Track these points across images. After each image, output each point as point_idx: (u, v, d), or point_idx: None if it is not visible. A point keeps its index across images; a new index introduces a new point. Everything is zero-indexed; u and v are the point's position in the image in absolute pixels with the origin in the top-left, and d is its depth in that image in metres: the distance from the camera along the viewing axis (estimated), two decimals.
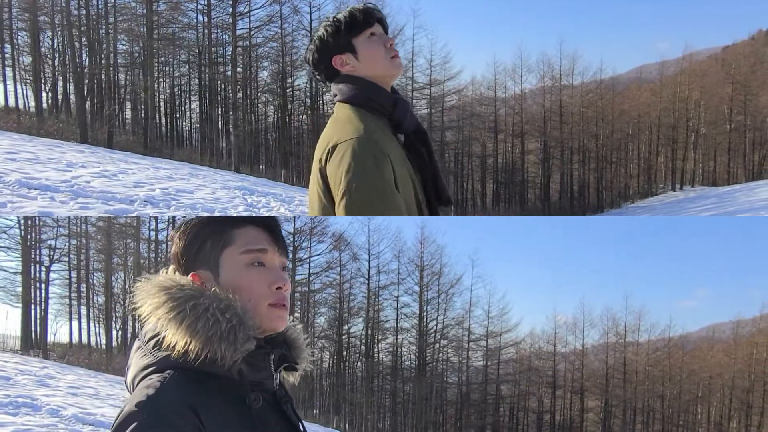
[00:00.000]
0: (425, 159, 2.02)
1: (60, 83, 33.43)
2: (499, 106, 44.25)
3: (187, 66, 36.36)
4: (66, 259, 26.96)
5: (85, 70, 28.46)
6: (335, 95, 2.02)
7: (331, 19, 2.05)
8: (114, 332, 27.66)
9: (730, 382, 35.95)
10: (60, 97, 33.57)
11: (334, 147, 1.86)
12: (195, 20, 33.03)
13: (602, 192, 44.62)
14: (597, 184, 44.65)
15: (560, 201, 44.10)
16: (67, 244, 26.53)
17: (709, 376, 36.30)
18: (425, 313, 31.64)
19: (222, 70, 33.54)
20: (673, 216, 36.85)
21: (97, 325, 27.93)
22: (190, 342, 1.16)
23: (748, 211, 29.03)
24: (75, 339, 27.68)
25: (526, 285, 65.09)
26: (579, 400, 35.61)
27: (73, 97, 30.53)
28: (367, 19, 2.01)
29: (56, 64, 33.56)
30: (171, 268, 1.28)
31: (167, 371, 1.15)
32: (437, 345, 32.28)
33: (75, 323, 27.57)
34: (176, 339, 1.16)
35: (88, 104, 29.92)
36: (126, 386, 1.24)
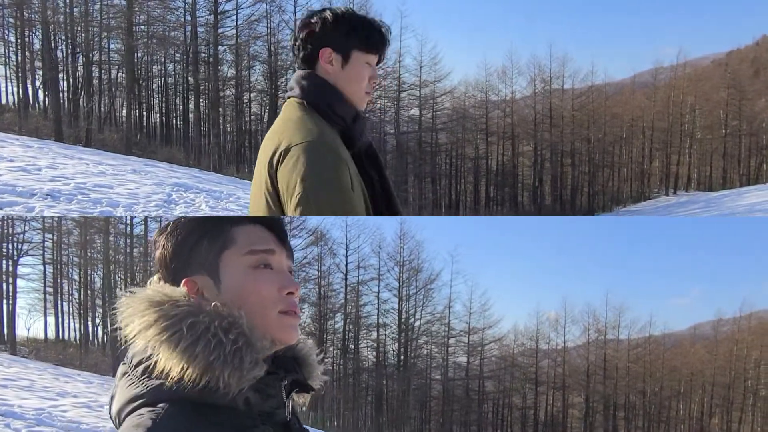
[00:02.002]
0: (374, 180, 1.96)
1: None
2: (490, 108, 44.16)
3: (182, 65, 36.70)
4: (38, 253, 27.26)
5: (70, 68, 28.83)
6: (292, 88, 1.93)
7: (354, 15, 1.95)
8: (91, 327, 27.90)
9: (711, 379, 36.18)
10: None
11: (286, 150, 1.77)
12: (183, 19, 33.35)
13: (594, 196, 44.40)
14: (589, 188, 44.45)
15: (553, 204, 43.91)
16: (41, 238, 26.79)
17: (690, 372, 36.45)
18: (407, 309, 31.83)
19: (211, 69, 33.77)
20: (663, 217, 36.84)
21: (73, 320, 28.20)
22: (187, 368, 0.98)
23: (727, 215, 28.88)
24: (53, 334, 27.96)
25: (514, 285, 65.94)
26: (562, 396, 35.89)
27: (67, 95, 31.02)
28: (376, 45, 1.94)
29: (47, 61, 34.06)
30: (156, 277, 1.12)
31: (160, 405, 0.98)
32: (416, 342, 32.42)
33: (51, 318, 27.87)
34: (170, 365, 0.99)
35: (98, 103, 30.58)
36: (111, 417, 1.08)
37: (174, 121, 39.41)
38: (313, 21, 1.92)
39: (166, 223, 1.14)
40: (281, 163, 1.77)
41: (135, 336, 1.03)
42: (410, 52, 38.43)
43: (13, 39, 34.27)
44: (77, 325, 27.90)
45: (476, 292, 33.97)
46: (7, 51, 34.43)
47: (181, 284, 1.07)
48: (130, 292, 1.06)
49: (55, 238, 27.13)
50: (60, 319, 27.78)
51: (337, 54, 1.91)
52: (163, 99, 38.88)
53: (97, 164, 14.74)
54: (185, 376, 0.98)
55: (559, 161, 43.50)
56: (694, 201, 37.49)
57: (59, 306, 28.00)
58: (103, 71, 33.69)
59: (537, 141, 43.14)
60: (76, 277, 28.23)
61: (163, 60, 37.37)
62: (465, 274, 46.32)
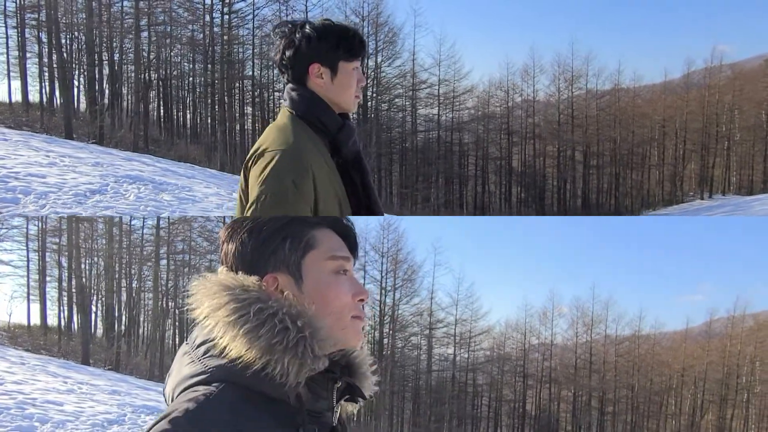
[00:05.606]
0: (358, 187, 2.04)
1: (80, 80, 35.36)
2: (514, 108, 43.41)
3: (204, 64, 37.67)
4: (22, 238, 27.98)
5: (86, 66, 30.00)
6: (285, 99, 2.04)
7: (333, 27, 2.01)
8: (75, 315, 28.27)
9: (703, 375, 35.64)
10: (80, 94, 35.52)
11: (262, 152, 1.90)
12: (203, 20, 34.23)
13: (620, 198, 43.12)
14: (615, 190, 43.21)
15: (580, 206, 42.87)
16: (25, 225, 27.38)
17: (682, 368, 35.96)
18: (393, 300, 32.04)
19: (235, 68, 34.55)
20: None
21: (61, 307, 28.69)
22: (249, 350, 1.01)
23: (747, 219, 27.80)
24: (41, 321, 28.38)
25: (503, 281, 66.21)
26: (549, 389, 35.64)
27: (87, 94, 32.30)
28: (359, 52, 2.03)
29: (80, 61, 35.54)
30: (223, 268, 1.14)
31: (215, 384, 1.01)
32: (394, 336, 32.57)
33: (38, 305, 28.42)
34: (233, 345, 1.02)
35: (114, 101, 31.77)
36: (164, 396, 1.11)
37: (199, 119, 40.53)
38: (296, 39, 1.97)
39: (241, 218, 1.16)
40: (254, 164, 1.90)
41: (204, 317, 1.06)
42: (426, 50, 38.26)
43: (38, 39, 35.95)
44: (59, 312, 28.39)
45: (462, 285, 34.41)
46: (40, 50, 36.14)
47: (263, 279, 1.09)
48: (203, 276, 1.10)
49: (38, 225, 27.83)
50: (45, 306, 28.22)
51: (325, 67, 1.98)
52: (189, 98, 40.01)
53: (60, 156, 15.28)
54: (245, 357, 1.00)
55: (582, 162, 42.45)
56: (723, 205, 36.21)
57: (46, 292, 28.55)
58: (131, 71, 34.93)
59: (560, 141, 42.17)
60: (57, 263, 28.63)
61: (191, 59, 38.44)
62: (451, 267, 47.93)
